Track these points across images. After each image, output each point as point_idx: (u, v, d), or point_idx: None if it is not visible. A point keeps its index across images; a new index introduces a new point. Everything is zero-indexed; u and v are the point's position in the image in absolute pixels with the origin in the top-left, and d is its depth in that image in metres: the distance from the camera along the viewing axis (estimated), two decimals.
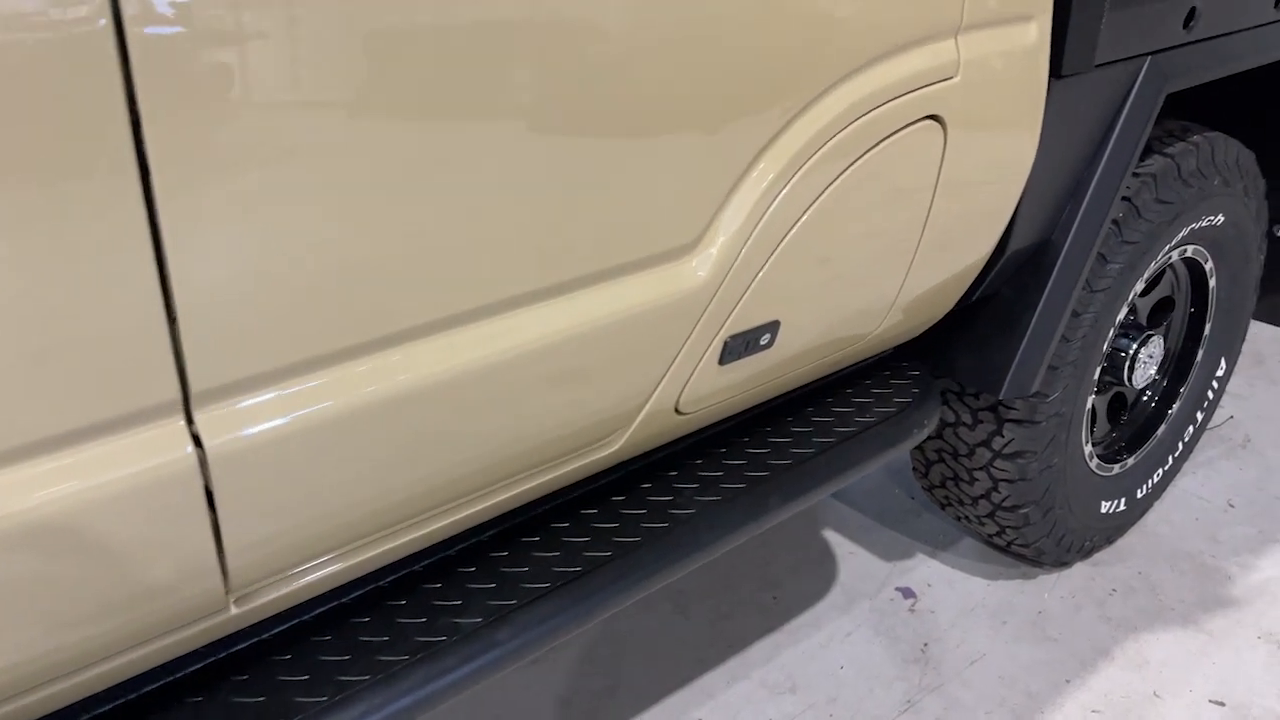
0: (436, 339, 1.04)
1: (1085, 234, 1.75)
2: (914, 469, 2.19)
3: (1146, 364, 2.10)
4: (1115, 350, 2.07)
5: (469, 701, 1.91)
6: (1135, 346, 2.06)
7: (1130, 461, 2.24)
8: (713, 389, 1.37)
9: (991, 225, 1.62)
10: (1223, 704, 1.95)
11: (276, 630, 1.17)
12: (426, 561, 1.29)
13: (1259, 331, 3.11)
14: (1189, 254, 2.09)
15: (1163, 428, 2.30)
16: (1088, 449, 2.09)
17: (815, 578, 2.25)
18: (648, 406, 1.30)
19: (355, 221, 0.92)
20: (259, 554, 0.99)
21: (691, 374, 1.31)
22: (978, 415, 1.94)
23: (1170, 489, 2.50)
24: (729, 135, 1.17)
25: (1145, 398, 2.30)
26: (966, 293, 1.74)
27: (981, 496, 2.06)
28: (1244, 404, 2.88)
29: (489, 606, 1.23)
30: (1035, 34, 1.47)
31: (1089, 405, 2.03)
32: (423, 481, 1.10)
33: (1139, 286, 1.98)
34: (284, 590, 1.07)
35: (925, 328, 1.77)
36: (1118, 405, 2.23)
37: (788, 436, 1.58)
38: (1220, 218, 2.04)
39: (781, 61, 1.18)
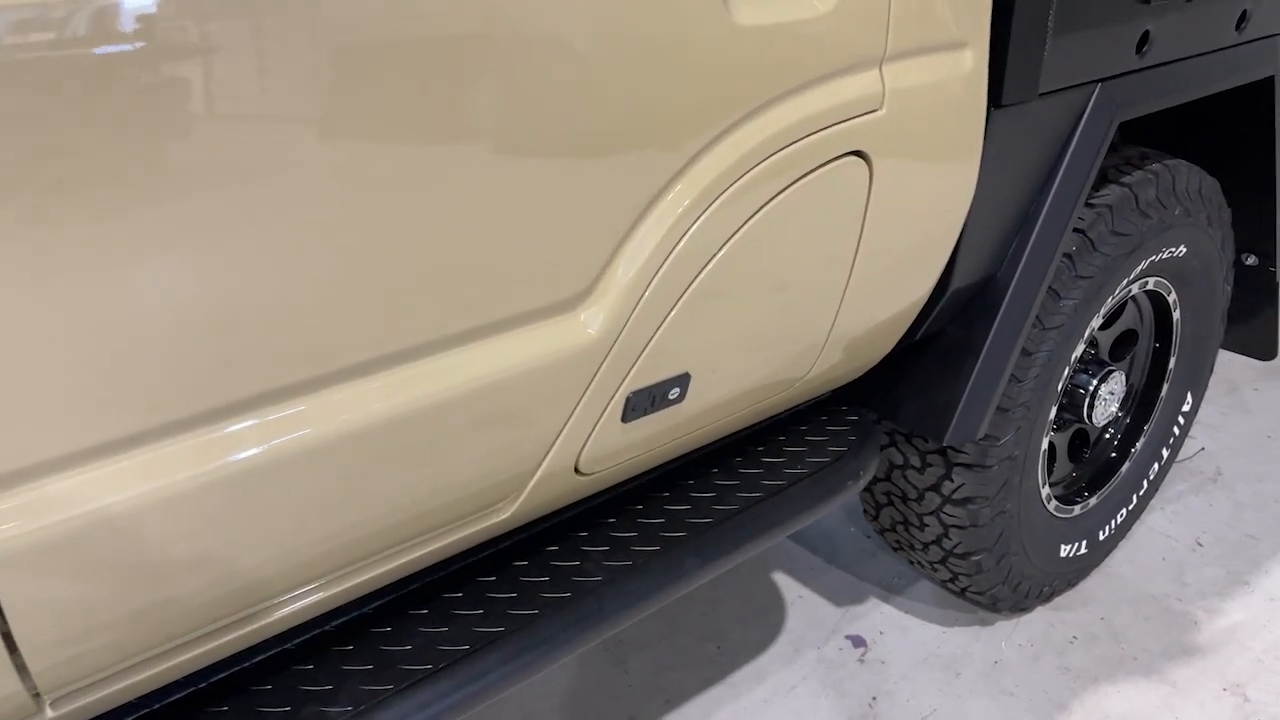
0: (283, 406, 0.93)
1: (1034, 269, 1.64)
2: (865, 511, 2.08)
3: (1107, 401, 2.01)
4: (1074, 387, 1.97)
5: None
6: (1095, 383, 1.96)
7: (1092, 502, 2.13)
8: (616, 448, 1.26)
9: (930, 262, 1.51)
10: None
11: None
12: (299, 640, 1.18)
13: (1232, 359, 3.01)
14: (1150, 286, 1.99)
15: (1126, 466, 2.19)
16: (1045, 491, 1.99)
17: (762, 625, 2.14)
18: (542, 469, 1.19)
19: (183, 274, 0.82)
20: (65, 654, 0.88)
21: (590, 433, 1.20)
22: (926, 458, 1.84)
23: (1136, 526, 2.40)
24: (619, 176, 1.07)
25: (1108, 435, 2.20)
26: (907, 333, 1.64)
27: (932, 542, 1.95)
28: (1216, 435, 2.77)
29: (361, 692, 1.12)
30: (971, 62, 1.37)
31: (1045, 445, 1.93)
32: (272, 564, 0.99)
33: (1097, 321, 1.88)
34: (113, 688, 0.96)
35: (864, 370, 1.67)
36: (1079, 442, 2.13)
37: (711, 491, 1.46)
38: (1182, 249, 1.94)
39: (680, 98, 1.07)
